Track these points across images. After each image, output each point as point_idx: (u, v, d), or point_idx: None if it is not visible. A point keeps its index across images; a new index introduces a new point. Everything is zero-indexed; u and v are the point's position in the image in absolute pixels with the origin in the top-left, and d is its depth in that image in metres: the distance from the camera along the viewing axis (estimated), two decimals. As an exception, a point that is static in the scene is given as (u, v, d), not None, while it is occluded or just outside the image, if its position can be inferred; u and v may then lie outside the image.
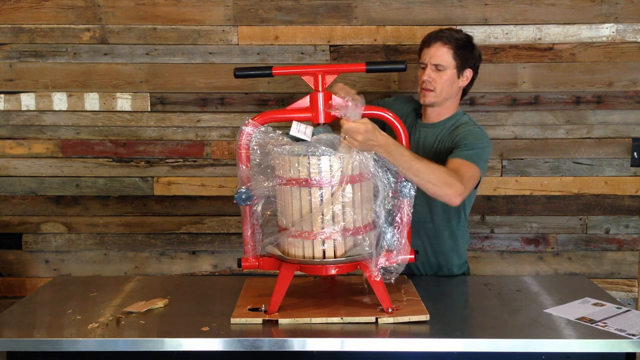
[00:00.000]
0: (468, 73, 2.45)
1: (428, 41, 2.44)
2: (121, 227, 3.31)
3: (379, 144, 1.95)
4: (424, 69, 2.44)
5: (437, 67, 2.40)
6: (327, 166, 1.91)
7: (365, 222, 1.97)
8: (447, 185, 2.09)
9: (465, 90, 2.51)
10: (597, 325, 1.95)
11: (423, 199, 2.41)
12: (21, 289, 3.32)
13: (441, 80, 2.41)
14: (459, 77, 2.44)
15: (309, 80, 2.05)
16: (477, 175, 2.26)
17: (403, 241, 2.02)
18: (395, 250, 2.01)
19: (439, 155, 2.39)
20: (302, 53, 3.19)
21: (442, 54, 2.40)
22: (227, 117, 3.24)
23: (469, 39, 2.46)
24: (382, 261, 1.99)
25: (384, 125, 2.11)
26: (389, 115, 2.07)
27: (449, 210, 2.45)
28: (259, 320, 1.97)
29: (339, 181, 1.92)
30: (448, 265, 2.51)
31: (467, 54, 2.43)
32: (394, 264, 2.01)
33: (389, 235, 2.01)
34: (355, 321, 1.96)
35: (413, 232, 2.18)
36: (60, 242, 3.32)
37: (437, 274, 2.51)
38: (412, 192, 2.01)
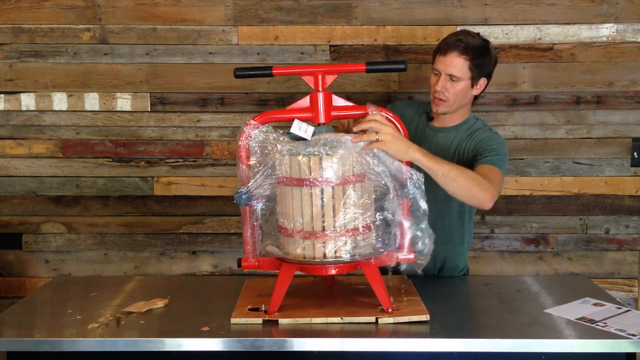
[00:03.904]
0: (482, 82, 2.39)
1: (444, 49, 2.33)
2: (121, 227, 3.31)
3: (415, 146, 1.98)
4: (436, 75, 2.36)
5: (452, 78, 2.32)
6: (328, 166, 1.91)
7: (366, 223, 1.97)
8: (482, 190, 2.08)
9: (477, 96, 2.45)
10: (597, 325, 1.95)
11: (440, 205, 2.36)
12: (21, 289, 3.32)
13: (454, 90, 2.33)
14: (473, 86, 2.37)
15: (309, 80, 2.05)
16: (502, 181, 2.25)
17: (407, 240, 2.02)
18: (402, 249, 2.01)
19: (457, 160, 2.36)
20: (302, 53, 3.19)
21: (457, 64, 2.31)
22: (227, 117, 3.24)
23: (486, 45, 2.37)
24: (401, 257, 2.00)
25: None
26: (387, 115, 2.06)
27: (463, 216, 2.45)
28: (259, 320, 1.96)
29: (339, 181, 1.91)
30: (452, 269, 2.51)
31: (484, 62, 2.35)
32: (419, 258, 2.01)
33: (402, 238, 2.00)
34: (355, 321, 1.96)
35: None
36: (60, 242, 3.32)
37: (439, 275, 2.51)
38: (415, 191, 2.00)
